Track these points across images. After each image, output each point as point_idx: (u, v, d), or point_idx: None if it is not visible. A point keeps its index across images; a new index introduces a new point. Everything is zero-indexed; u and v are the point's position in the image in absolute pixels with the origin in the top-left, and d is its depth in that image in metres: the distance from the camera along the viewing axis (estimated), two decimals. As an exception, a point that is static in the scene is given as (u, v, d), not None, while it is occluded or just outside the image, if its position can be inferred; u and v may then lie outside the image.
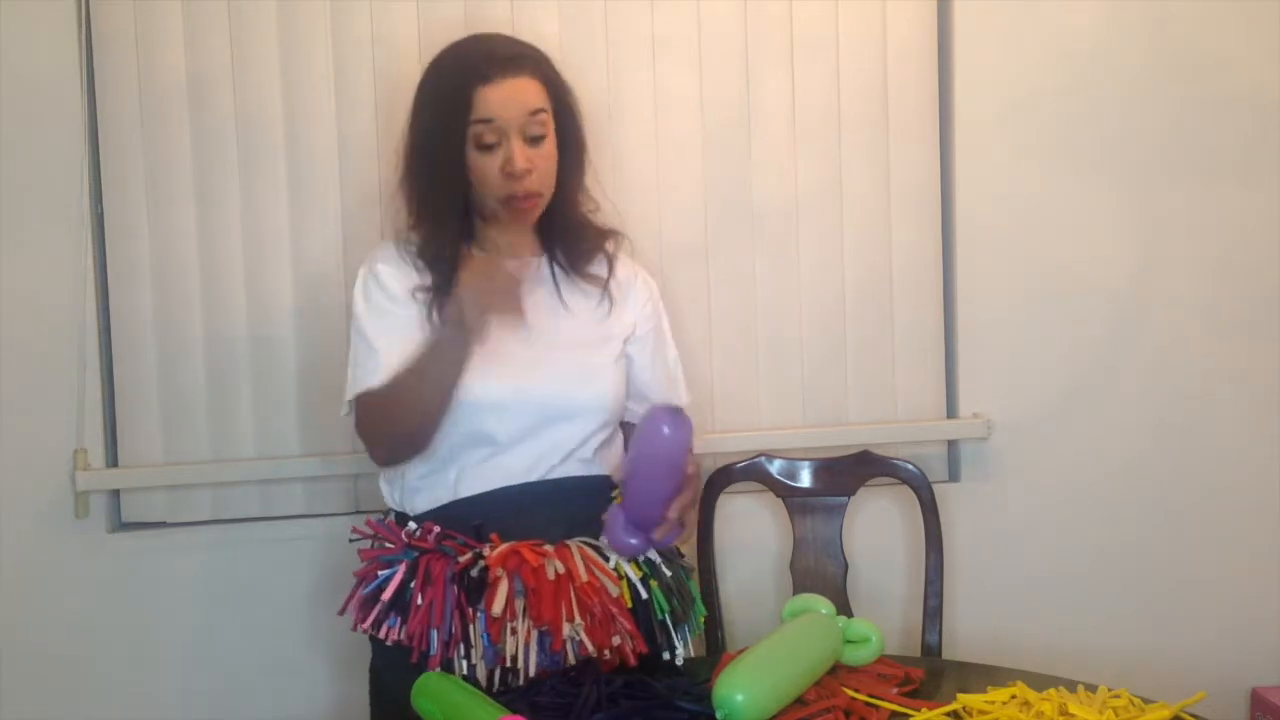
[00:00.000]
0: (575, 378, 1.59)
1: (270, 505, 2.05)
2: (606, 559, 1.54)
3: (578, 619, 1.46)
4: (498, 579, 1.46)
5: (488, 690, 1.44)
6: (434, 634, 1.47)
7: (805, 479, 1.99)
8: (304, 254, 2.01)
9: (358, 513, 2.03)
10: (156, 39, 1.96)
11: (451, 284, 1.54)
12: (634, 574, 1.54)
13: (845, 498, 1.98)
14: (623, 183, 2.00)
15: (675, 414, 1.40)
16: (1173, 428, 2.21)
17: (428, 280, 1.58)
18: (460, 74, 1.54)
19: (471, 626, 1.47)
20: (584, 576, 1.48)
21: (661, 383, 1.72)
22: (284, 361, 2.01)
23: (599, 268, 1.68)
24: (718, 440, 2.06)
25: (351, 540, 1.63)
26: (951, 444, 2.21)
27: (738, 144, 2.09)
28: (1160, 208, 2.18)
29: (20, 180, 1.93)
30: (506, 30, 1.98)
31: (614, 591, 1.50)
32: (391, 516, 1.63)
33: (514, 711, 1.26)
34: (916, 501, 1.96)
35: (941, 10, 2.13)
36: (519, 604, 1.47)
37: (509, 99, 1.52)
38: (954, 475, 2.21)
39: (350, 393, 1.57)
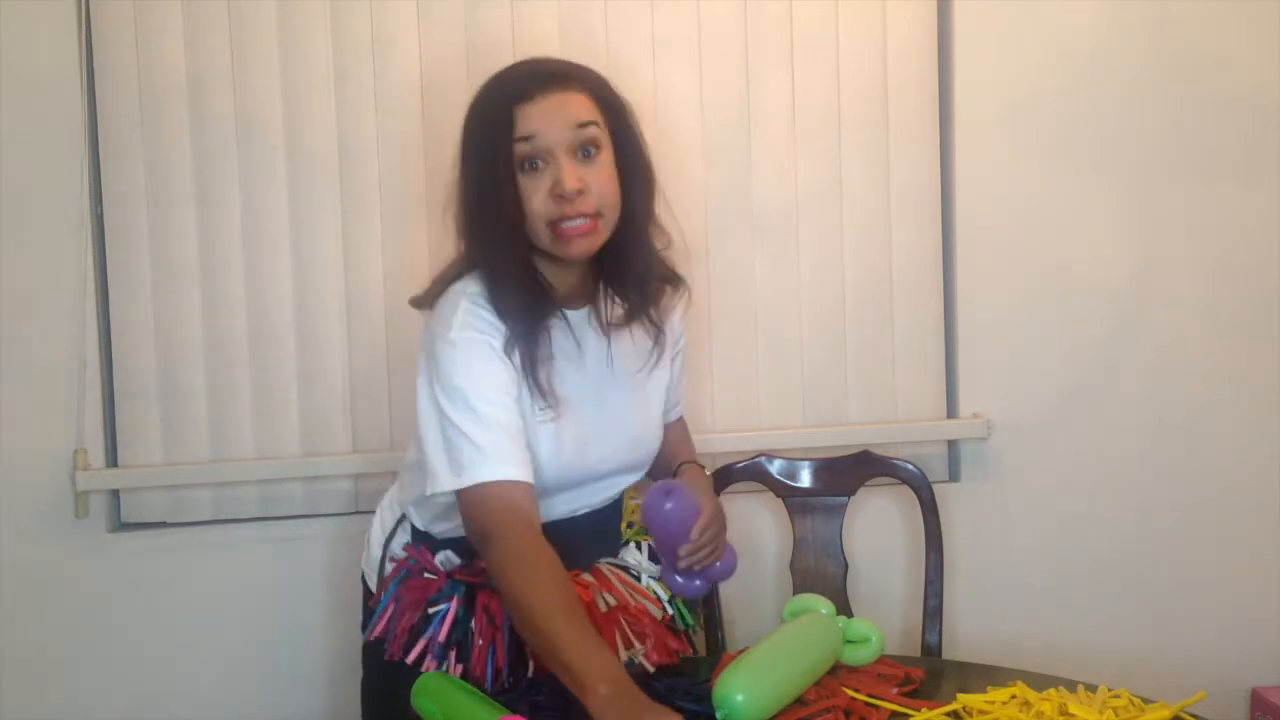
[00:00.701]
0: (625, 450, 1.52)
1: (270, 505, 2.05)
2: (638, 578, 1.55)
3: (636, 644, 1.45)
4: None
5: (487, 690, 1.44)
6: (490, 673, 1.43)
7: (805, 479, 1.99)
8: (304, 254, 2.01)
9: (358, 513, 2.03)
10: (156, 39, 1.96)
11: (535, 330, 1.40)
12: (664, 593, 1.55)
13: (845, 498, 1.98)
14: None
15: (668, 489, 1.50)
16: (1172, 428, 2.21)
17: (512, 330, 1.41)
18: (500, 94, 1.39)
19: (531, 664, 1.44)
20: (632, 603, 1.49)
21: (675, 388, 1.67)
22: (284, 361, 2.01)
23: (650, 317, 1.51)
24: (718, 440, 2.06)
25: (387, 575, 1.56)
26: (951, 444, 2.21)
27: (738, 144, 2.09)
28: (1160, 208, 2.18)
29: (20, 180, 1.93)
30: (506, 31, 2.01)
31: (656, 614, 1.52)
32: (402, 533, 1.59)
33: (514, 711, 1.26)
34: (916, 501, 1.96)
35: (941, 10, 2.13)
36: None
37: (552, 112, 1.36)
38: (954, 475, 2.21)
39: (459, 476, 1.36)
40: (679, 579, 1.54)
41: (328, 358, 2.01)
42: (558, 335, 1.45)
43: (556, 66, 1.42)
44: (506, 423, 1.38)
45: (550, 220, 1.38)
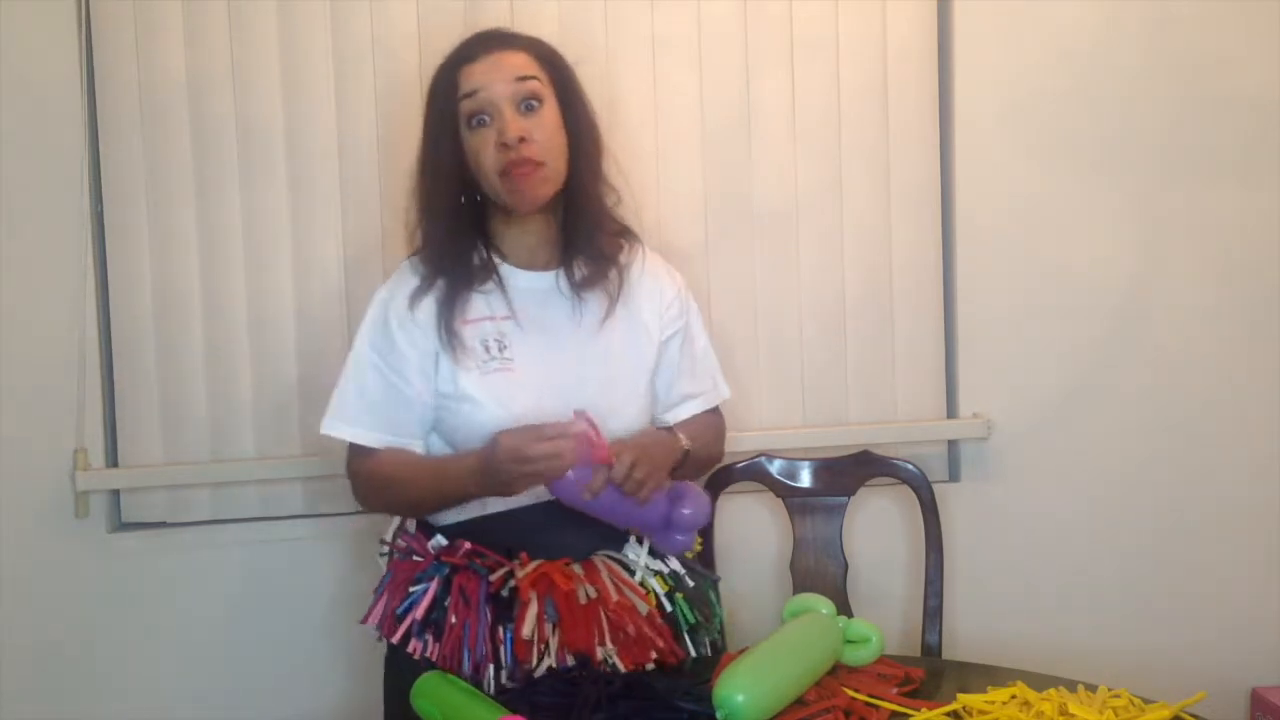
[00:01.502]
0: (601, 407, 1.50)
1: (270, 505, 2.05)
2: (632, 573, 1.54)
3: (609, 644, 1.45)
4: (528, 601, 1.45)
5: (487, 690, 1.44)
6: (466, 654, 1.46)
7: (805, 479, 1.99)
8: (304, 254, 2.01)
9: (358, 513, 2.03)
10: (156, 39, 1.96)
11: (462, 291, 1.51)
12: (660, 588, 1.54)
13: (845, 498, 1.98)
14: (622, 183, 2.00)
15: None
16: (1173, 428, 2.21)
17: (440, 293, 1.52)
18: (448, 60, 1.51)
19: (501, 648, 1.46)
20: (614, 596, 1.48)
21: (687, 378, 1.68)
22: (284, 361, 2.01)
23: (613, 273, 1.59)
24: (718, 440, 2.06)
25: (382, 555, 1.60)
26: (951, 444, 2.21)
27: (738, 144, 2.09)
28: (1160, 208, 2.18)
29: (20, 180, 1.93)
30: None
31: (643, 609, 1.50)
32: (406, 526, 1.61)
33: (514, 711, 1.26)
34: (916, 501, 1.96)
35: (941, 10, 2.13)
36: (548, 627, 1.45)
37: (493, 68, 1.46)
38: (954, 475, 2.21)
39: (334, 426, 1.54)
40: (658, 537, 1.49)
41: (328, 357, 2.01)
42: (514, 297, 1.53)
43: (502, 31, 1.53)
44: (385, 387, 1.51)
45: (500, 171, 1.46)
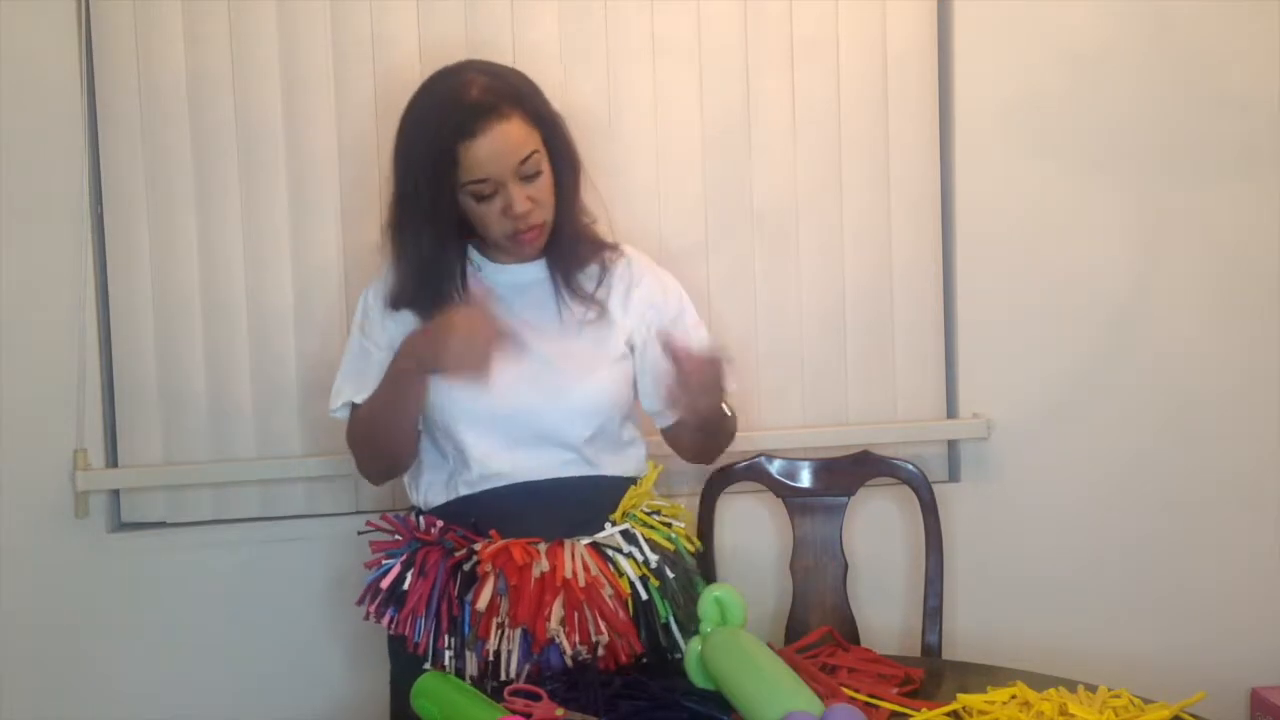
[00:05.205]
0: (554, 395, 1.56)
1: (270, 505, 2.05)
2: (608, 559, 1.54)
3: (554, 621, 1.45)
4: (486, 574, 1.48)
5: (486, 690, 1.44)
6: (420, 623, 1.51)
7: (805, 479, 1.99)
8: (304, 254, 2.01)
9: (358, 513, 2.03)
10: (156, 39, 1.96)
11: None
12: (634, 573, 1.54)
13: (845, 498, 1.98)
14: (622, 183, 2.00)
15: None
16: (1172, 428, 2.21)
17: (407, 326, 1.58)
18: (441, 131, 1.49)
19: (458, 619, 1.49)
20: (572, 574, 1.48)
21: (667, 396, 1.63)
22: (284, 362, 2.01)
23: (593, 281, 1.65)
24: (718, 440, 2.06)
25: (360, 533, 1.65)
26: (951, 444, 2.21)
27: (738, 144, 2.09)
28: (1160, 208, 2.18)
29: (20, 180, 1.93)
30: (506, 31, 2.01)
31: (608, 592, 1.50)
32: (413, 513, 1.65)
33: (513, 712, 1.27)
34: (916, 501, 1.96)
35: (941, 11, 2.13)
36: (504, 602, 1.47)
37: (498, 152, 1.48)
38: (954, 475, 2.21)
39: (334, 402, 1.64)
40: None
41: (328, 357, 2.01)
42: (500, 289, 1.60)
43: (489, 89, 1.49)
44: (373, 361, 1.59)
45: (507, 235, 1.55)
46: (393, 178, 1.57)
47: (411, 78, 1.97)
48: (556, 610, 1.46)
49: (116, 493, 2.02)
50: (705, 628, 1.40)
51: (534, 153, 1.51)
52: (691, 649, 1.40)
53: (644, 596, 1.54)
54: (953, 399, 2.18)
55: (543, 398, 1.56)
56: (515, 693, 1.33)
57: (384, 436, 1.60)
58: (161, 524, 2.03)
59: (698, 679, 1.39)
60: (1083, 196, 2.16)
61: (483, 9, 2.00)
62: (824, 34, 2.09)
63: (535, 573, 1.47)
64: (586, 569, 1.50)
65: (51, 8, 1.92)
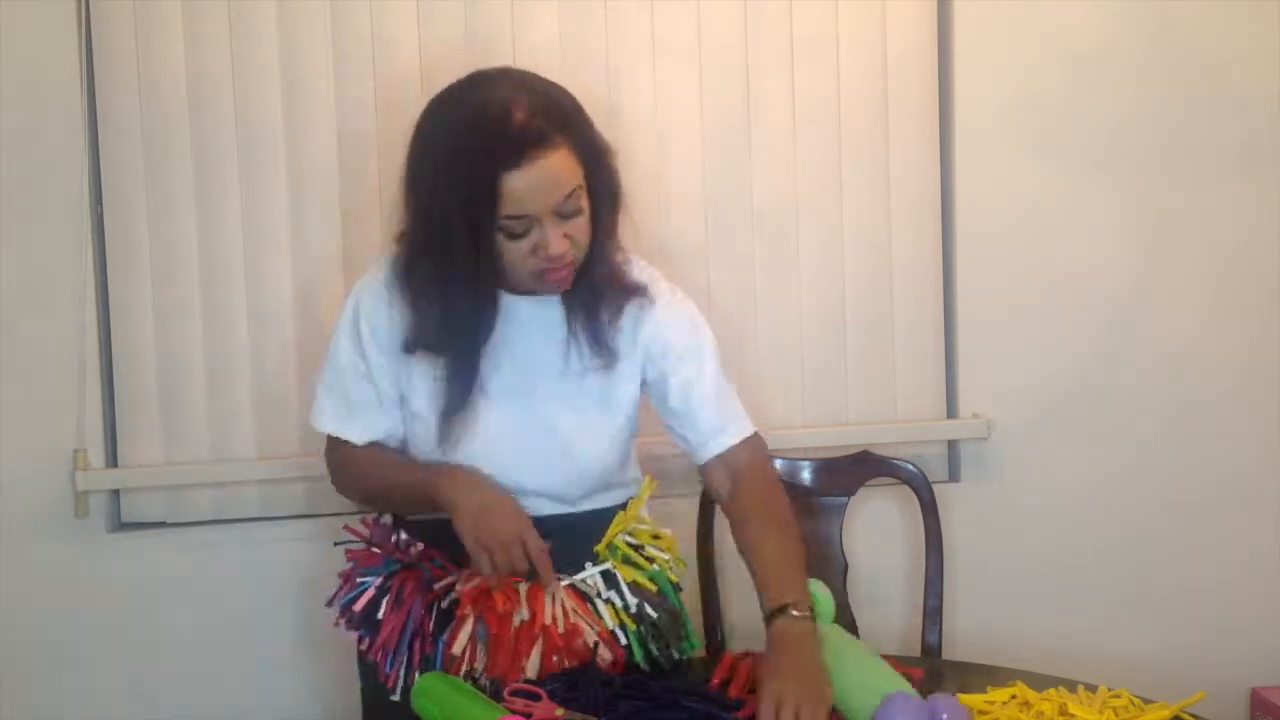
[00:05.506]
0: (553, 468, 1.49)
1: (270, 505, 2.05)
2: (589, 601, 1.50)
3: (530, 672, 1.43)
4: (464, 617, 1.43)
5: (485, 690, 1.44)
6: (390, 659, 1.49)
7: (805, 479, 1.99)
8: (304, 254, 2.01)
9: (358, 513, 2.02)
10: (156, 39, 1.96)
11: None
12: (610, 619, 1.49)
13: (845, 498, 1.98)
14: (622, 183, 2.00)
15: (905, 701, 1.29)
16: (1172, 428, 2.21)
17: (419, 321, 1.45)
18: (480, 157, 1.31)
19: (430, 658, 1.47)
20: (551, 620, 1.44)
21: (696, 413, 1.54)
22: (284, 362, 2.01)
23: (613, 328, 1.49)
24: (718, 440, 2.06)
25: (338, 543, 1.63)
26: (951, 444, 2.21)
27: (738, 144, 2.09)
28: (1160, 208, 2.18)
29: (20, 180, 1.93)
30: (506, 32, 2.00)
31: (590, 639, 1.47)
32: (394, 525, 1.60)
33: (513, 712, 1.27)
34: (916, 501, 1.96)
35: (941, 11, 2.13)
36: (481, 650, 1.44)
37: (540, 187, 1.31)
38: (954, 475, 2.21)
39: (318, 420, 1.54)
40: None
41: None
42: (504, 324, 1.46)
43: (535, 117, 1.32)
44: (359, 386, 1.50)
45: (535, 273, 1.38)
46: (407, 199, 1.40)
47: (412, 78, 1.99)
48: (533, 660, 1.44)
49: (116, 493, 2.02)
50: None
51: (577, 188, 1.35)
52: None
53: (623, 642, 1.50)
54: (953, 399, 2.18)
55: (543, 470, 1.50)
56: (515, 693, 1.34)
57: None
58: (161, 524, 2.03)
59: None
60: (1083, 196, 2.16)
61: (483, 9, 2.00)
62: (824, 34, 2.09)
63: (515, 621, 1.42)
64: (566, 615, 1.46)
65: (51, 8, 1.92)
